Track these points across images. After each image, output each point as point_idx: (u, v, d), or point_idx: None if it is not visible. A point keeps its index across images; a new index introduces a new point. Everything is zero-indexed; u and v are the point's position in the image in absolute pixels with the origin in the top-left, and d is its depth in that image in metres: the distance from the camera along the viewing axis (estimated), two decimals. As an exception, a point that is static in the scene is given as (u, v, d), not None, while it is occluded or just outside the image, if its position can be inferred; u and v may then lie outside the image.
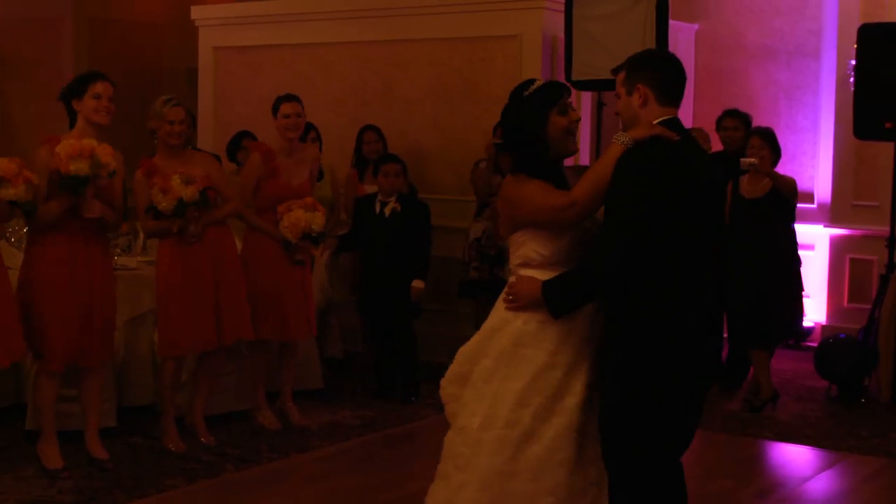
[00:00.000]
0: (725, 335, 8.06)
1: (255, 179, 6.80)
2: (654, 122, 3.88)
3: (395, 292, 7.54)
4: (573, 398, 3.97)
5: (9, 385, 6.63)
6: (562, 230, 3.98)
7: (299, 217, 6.66)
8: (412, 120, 9.14)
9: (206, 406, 6.60)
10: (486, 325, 4.15)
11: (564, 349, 3.98)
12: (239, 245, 6.78)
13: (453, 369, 4.24)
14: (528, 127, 4.03)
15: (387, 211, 7.54)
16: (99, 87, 5.83)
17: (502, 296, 4.11)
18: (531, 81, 4.13)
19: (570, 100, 4.11)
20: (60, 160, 5.57)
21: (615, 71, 4.03)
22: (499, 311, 4.11)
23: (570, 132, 4.05)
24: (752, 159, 7.34)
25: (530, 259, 4.04)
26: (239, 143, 8.41)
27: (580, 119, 4.14)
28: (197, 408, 6.52)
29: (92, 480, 5.75)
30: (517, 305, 4.01)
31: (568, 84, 6.27)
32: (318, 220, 6.72)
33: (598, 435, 3.94)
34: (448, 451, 4.16)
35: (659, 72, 3.95)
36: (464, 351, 4.21)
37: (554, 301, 3.90)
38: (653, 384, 3.80)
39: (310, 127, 8.03)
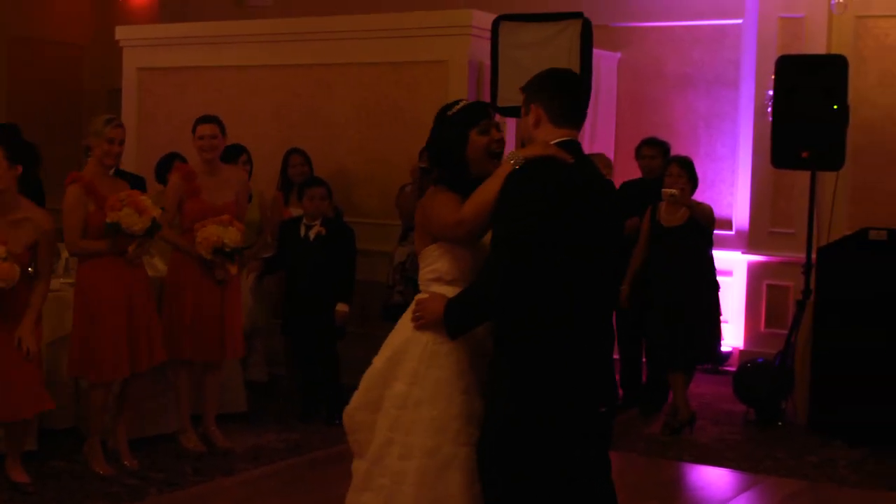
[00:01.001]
0: (644, 360, 8.19)
1: (176, 200, 6.81)
2: (551, 143, 3.82)
3: (320, 316, 7.54)
4: None
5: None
6: (468, 247, 3.92)
7: (211, 232, 6.63)
8: (338, 143, 9.16)
9: (129, 429, 6.53)
10: (391, 346, 4.04)
11: (473, 371, 3.92)
12: (165, 266, 6.75)
13: (362, 397, 4.07)
14: (449, 145, 3.99)
15: (311, 234, 7.55)
16: None
17: (407, 314, 4.02)
18: (457, 102, 4.10)
19: (494, 121, 4.06)
20: None
21: (522, 90, 3.99)
22: (403, 330, 4.01)
23: (492, 152, 3.98)
24: (674, 190, 7.40)
25: (443, 273, 3.97)
26: (169, 165, 8.31)
27: (503, 139, 4.06)
28: (120, 431, 6.45)
29: (13, 504, 5.69)
30: (423, 323, 3.93)
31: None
32: (230, 235, 6.66)
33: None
34: (364, 483, 4.03)
35: (551, 92, 3.89)
36: (370, 376, 4.07)
37: (449, 322, 3.83)
38: (539, 410, 3.70)
39: (241, 150, 8.02)
